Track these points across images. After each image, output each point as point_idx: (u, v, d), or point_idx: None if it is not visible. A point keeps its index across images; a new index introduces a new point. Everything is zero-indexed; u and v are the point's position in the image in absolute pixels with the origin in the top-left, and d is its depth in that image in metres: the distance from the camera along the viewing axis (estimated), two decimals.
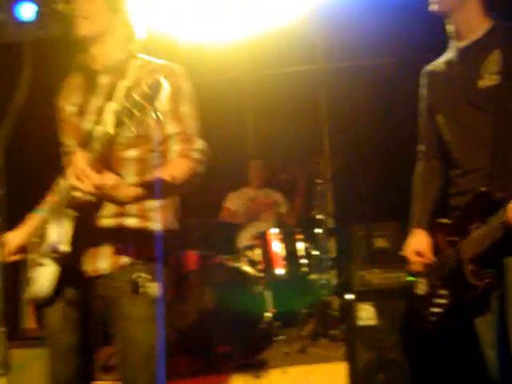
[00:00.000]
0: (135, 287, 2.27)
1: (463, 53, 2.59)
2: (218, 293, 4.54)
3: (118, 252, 2.31)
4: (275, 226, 5.51)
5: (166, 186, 2.15)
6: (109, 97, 2.33)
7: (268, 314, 4.83)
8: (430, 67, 2.76)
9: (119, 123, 2.02)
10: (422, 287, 2.74)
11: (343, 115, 6.35)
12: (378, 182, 5.93)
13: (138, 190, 2.14)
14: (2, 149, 1.92)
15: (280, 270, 5.06)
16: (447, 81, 2.63)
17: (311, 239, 5.42)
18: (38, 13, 5.69)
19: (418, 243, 2.70)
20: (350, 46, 5.67)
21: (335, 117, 6.55)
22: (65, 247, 2.23)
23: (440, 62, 2.72)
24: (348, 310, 4.17)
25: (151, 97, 1.97)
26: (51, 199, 2.45)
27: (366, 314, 4.00)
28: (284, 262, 5.08)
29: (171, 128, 2.33)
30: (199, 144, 2.34)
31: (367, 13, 5.05)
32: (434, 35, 4.97)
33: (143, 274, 2.28)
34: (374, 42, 5.48)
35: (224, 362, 4.50)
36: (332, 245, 6.25)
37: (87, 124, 2.38)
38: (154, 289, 2.28)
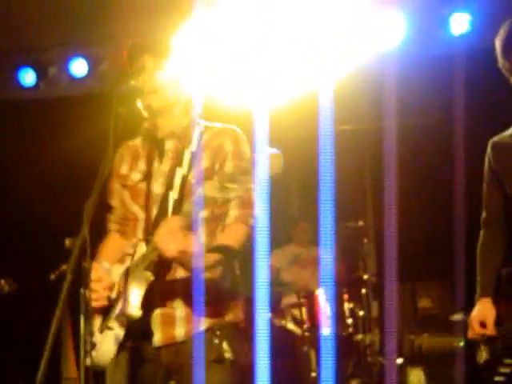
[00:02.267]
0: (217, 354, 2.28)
1: None
2: None
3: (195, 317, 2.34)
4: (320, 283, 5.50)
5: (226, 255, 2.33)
6: (177, 162, 2.45)
7: (313, 374, 4.79)
8: (496, 139, 2.81)
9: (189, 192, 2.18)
10: (483, 355, 2.72)
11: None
12: (422, 242, 5.90)
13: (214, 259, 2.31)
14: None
15: (326, 330, 5.04)
16: None
17: (357, 299, 5.41)
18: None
19: (483, 314, 2.69)
20: (396, 105, 5.71)
21: (380, 177, 6.55)
22: (138, 312, 2.25)
23: (506, 135, 2.79)
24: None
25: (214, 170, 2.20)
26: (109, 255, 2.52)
27: (416, 379, 3.96)
28: (330, 322, 5.06)
29: (231, 192, 2.29)
30: (256, 209, 2.38)
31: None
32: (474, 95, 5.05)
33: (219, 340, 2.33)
34: (419, 102, 5.53)
35: None
36: (375, 304, 6.21)
37: (157, 188, 2.46)
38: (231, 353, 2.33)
